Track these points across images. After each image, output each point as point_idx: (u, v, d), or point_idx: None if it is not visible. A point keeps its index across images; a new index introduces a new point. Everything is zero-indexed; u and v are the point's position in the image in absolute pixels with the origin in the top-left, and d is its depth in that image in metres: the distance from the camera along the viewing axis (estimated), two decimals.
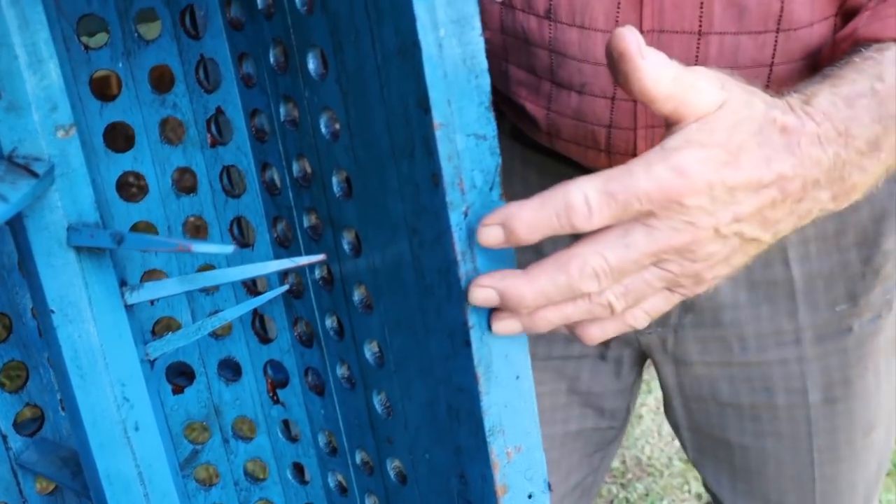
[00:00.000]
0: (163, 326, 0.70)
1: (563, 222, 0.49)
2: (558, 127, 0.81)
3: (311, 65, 0.56)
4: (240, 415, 0.74)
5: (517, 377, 0.52)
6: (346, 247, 0.60)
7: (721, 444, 1.03)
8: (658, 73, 0.51)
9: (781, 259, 0.89)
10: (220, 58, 0.65)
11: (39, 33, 0.52)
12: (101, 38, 0.65)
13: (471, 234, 0.49)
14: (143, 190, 0.68)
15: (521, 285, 0.50)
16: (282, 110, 0.61)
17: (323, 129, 0.57)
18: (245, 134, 0.66)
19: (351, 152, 0.55)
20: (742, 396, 0.98)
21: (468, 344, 0.50)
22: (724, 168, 0.51)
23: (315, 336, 0.68)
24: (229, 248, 0.46)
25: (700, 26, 0.71)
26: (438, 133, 0.47)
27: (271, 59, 0.60)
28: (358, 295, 0.61)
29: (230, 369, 0.74)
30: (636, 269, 0.52)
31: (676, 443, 2.24)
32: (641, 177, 0.50)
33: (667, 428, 2.15)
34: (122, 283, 0.57)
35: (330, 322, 0.65)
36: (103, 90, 0.67)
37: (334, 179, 0.58)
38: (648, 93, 0.51)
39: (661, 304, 0.56)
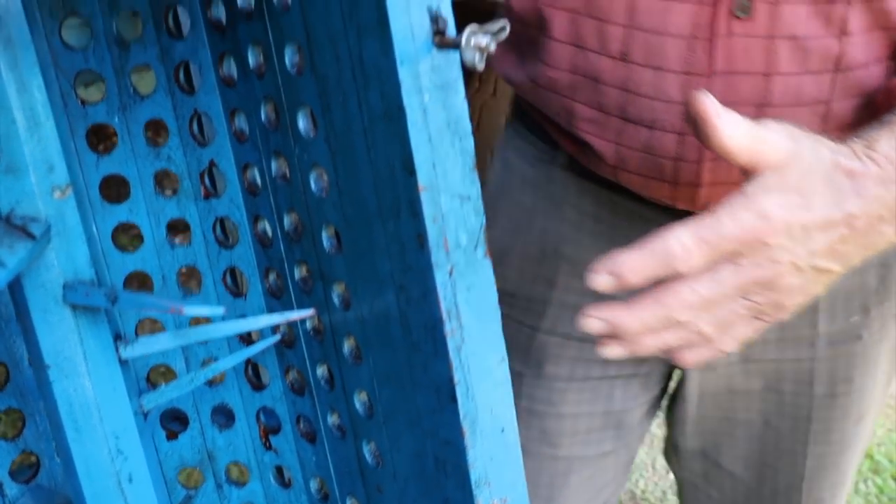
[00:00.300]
0: (157, 371, 0.71)
1: (665, 266, 0.59)
2: (625, 160, 0.85)
3: (301, 123, 0.58)
4: (233, 460, 0.75)
5: (502, 430, 0.53)
6: (335, 300, 0.61)
7: (725, 420, 1.07)
8: (733, 131, 0.60)
9: None
10: (213, 113, 0.66)
11: (37, 96, 0.53)
12: (99, 86, 0.67)
13: (456, 292, 0.51)
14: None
15: (625, 315, 0.60)
16: (273, 165, 0.63)
17: (312, 186, 0.59)
18: (238, 187, 0.67)
19: (340, 209, 0.57)
20: (753, 384, 1.03)
21: (454, 399, 0.51)
22: (799, 210, 0.60)
23: (307, 384, 0.69)
24: (220, 310, 0.47)
25: (767, 68, 0.77)
26: (423, 195, 0.48)
27: (263, 117, 0.62)
28: (347, 346, 0.62)
29: (223, 415, 0.75)
30: (725, 300, 0.61)
31: (671, 476, 2.24)
32: (728, 222, 0.59)
33: (661, 462, 2.15)
34: (117, 337, 0.58)
35: (321, 371, 0.66)
36: (101, 128, 0.69)
37: (324, 234, 0.60)
38: (726, 148, 0.60)
39: (748, 330, 0.64)
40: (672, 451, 1.14)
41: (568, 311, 0.96)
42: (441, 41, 0.48)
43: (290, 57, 0.56)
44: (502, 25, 0.47)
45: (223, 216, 0.69)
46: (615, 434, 1.07)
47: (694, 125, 0.61)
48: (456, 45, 0.47)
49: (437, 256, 0.49)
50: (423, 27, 0.47)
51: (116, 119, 0.67)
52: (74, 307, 0.54)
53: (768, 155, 0.60)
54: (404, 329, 0.54)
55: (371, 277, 0.56)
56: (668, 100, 0.80)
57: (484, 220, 0.51)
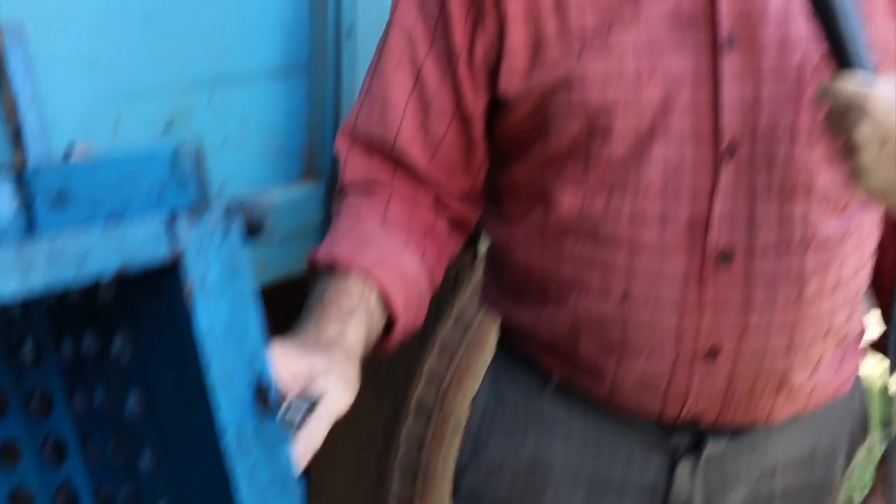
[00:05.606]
0: None
1: None
2: (620, 385, 0.97)
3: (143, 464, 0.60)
4: None
5: None
6: None
7: None
8: None
9: None
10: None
11: None
12: None
13: None
14: None
15: None
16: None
17: None
18: None
19: None
20: None
21: None
22: None
23: None
24: None
25: (745, 303, 0.93)
26: None
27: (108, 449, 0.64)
28: None
29: None
30: None
31: None
32: None
33: None
34: None
35: None
36: None
37: None
38: None
39: None
40: None
41: None
42: (264, 409, 0.52)
43: (131, 403, 0.60)
44: (317, 398, 0.51)
45: None
46: None
47: None
48: (277, 411, 0.52)
49: None
50: (247, 398, 0.51)
51: None
52: None
53: None
54: None
55: None
56: (663, 333, 0.93)
57: None
